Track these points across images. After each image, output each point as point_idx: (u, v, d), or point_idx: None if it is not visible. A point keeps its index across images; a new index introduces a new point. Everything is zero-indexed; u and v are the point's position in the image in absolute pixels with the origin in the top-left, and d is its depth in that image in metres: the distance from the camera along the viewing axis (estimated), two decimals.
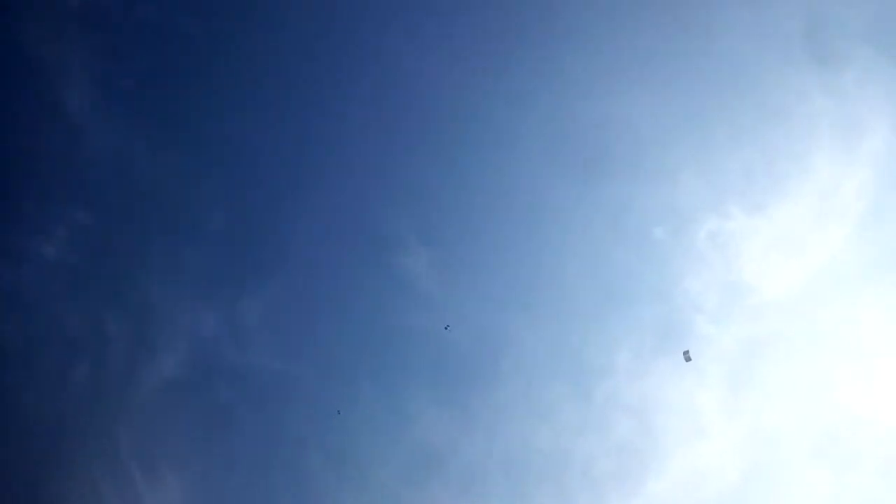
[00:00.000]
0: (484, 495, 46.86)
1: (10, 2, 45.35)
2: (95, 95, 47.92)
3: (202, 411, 46.23)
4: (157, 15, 49.29)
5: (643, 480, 47.92)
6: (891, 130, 50.76)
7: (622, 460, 48.49)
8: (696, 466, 48.62)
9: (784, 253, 51.92)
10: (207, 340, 47.17)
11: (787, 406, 49.19)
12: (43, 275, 44.75)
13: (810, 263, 51.43)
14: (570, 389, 49.62)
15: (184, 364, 46.29)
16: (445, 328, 47.41)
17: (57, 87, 46.92)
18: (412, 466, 47.13)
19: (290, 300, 49.44)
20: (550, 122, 52.49)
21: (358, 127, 51.84)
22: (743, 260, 52.11)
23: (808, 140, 51.84)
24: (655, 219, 52.12)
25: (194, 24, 49.96)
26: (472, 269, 51.55)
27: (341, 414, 45.68)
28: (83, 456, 42.50)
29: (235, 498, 43.21)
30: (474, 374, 49.66)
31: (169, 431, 45.05)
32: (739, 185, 52.65)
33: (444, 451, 47.72)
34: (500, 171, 52.53)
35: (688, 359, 42.07)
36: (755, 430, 49.21)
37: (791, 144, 52.18)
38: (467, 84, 52.13)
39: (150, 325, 46.31)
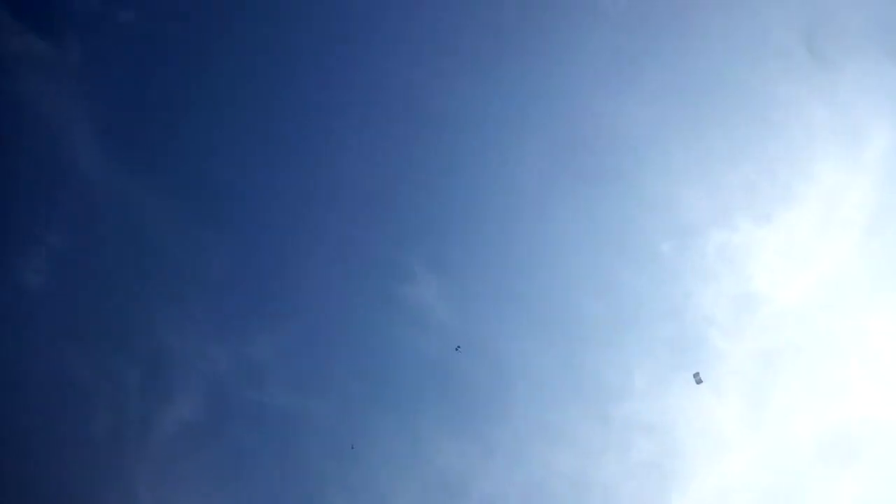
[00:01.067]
0: None
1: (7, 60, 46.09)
2: (100, 144, 48.55)
3: (220, 452, 46.01)
4: (156, 50, 50.26)
5: (667, 501, 47.58)
6: (892, 133, 51.00)
7: (644, 481, 48.15)
8: (719, 483, 48.24)
9: (793, 262, 52.00)
10: (222, 381, 47.19)
11: (806, 416, 48.92)
12: (52, 326, 45.02)
13: (819, 271, 51.49)
14: (588, 412, 49.46)
15: (200, 406, 46.29)
16: (456, 349, 47.22)
17: (60, 138, 47.53)
18: (431, 497, 46.86)
19: (301, 336, 49.43)
20: (553, 144, 52.83)
21: (360, 159, 52.22)
22: (752, 271, 52.21)
23: (809, 148, 52.23)
24: (662, 235, 52.35)
25: (193, 62, 50.98)
26: (482, 295, 51.65)
27: (354, 448, 45.46)
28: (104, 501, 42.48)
29: None
30: (490, 402, 49.56)
31: (188, 475, 44.83)
32: (744, 196, 52.94)
33: (463, 480, 47.46)
34: (504, 196, 52.92)
35: (699, 381, 41.80)
36: (776, 442, 48.92)
37: (793, 153, 52.55)
38: (470, 111, 52.85)
39: (164, 369, 46.33)
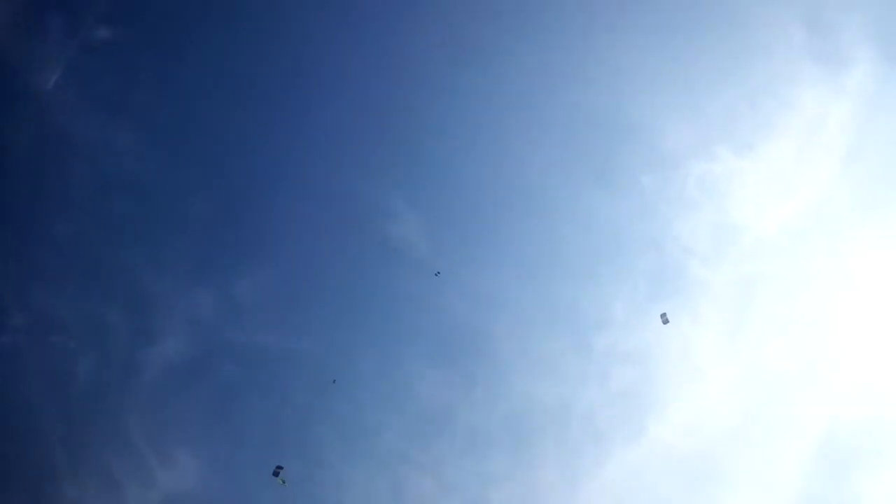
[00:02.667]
0: (489, 452, 47.95)
1: None
2: (73, 88, 47.71)
3: (207, 391, 46.93)
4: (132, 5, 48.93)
5: (645, 426, 48.88)
6: (874, 60, 50.35)
7: (623, 408, 49.40)
8: (696, 409, 49.56)
9: (773, 191, 52.16)
10: (206, 322, 47.69)
11: (782, 344, 49.90)
12: (38, 272, 45.25)
13: (800, 200, 51.74)
14: (569, 343, 50.43)
15: (185, 347, 46.86)
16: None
17: (34, 80, 46.70)
18: (418, 429, 48.13)
19: (284, 276, 49.88)
20: (531, 79, 52.25)
21: (343, 101, 51.77)
22: (733, 201, 52.39)
23: (791, 75, 51.69)
24: (642, 166, 52.28)
25: (169, 12, 49.65)
26: (463, 231, 52.02)
27: (336, 382, 46.25)
28: (96, 444, 43.50)
29: (246, 472, 44.18)
30: (471, 335, 50.32)
31: (177, 413, 45.83)
32: (725, 126, 52.66)
33: (448, 411, 48.67)
34: (483, 132, 52.52)
35: (665, 321, 42.39)
36: (752, 370, 49.95)
37: (774, 81, 52.03)
38: (449, 50, 52.00)
39: (149, 312, 46.81)
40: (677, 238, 51.73)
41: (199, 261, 48.65)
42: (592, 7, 52.10)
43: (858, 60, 50.54)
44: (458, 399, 48.93)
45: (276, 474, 39.51)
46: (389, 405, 48.39)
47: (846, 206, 50.57)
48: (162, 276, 47.40)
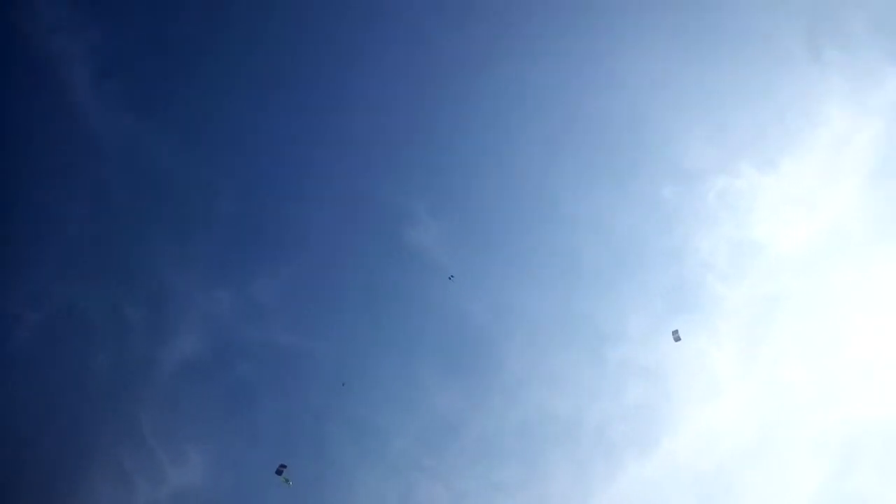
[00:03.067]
0: (501, 461, 47.73)
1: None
2: (102, 83, 48.03)
3: (222, 389, 47.06)
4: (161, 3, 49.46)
5: (658, 441, 48.58)
6: None
7: (637, 422, 49.11)
8: (710, 425, 49.21)
9: (795, 209, 51.69)
10: (224, 320, 47.85)
11: (800, 362, 49.49)
12: (59, 267, 45.61)
13: (823, 219, 51.34)
14: (584, 356, 50.20)
15: (202, 344, 46.99)
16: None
17: (63, 78, 47.07)
18: (430, 436, 48.00)
19: (303, 278, 49.85)
20: (554, 88, 52.21)
21: (366, 104, 51.82)
22: (754, 217, 52.04)
23: (818, 93, 51.21)
24: (664, 179, 51.97)
25: (197, 13, 50.03)
26: (482, 239, 51.78)
27: (345, 385, 46.32)
28: (108, 439, 43.61)
29: (257, 470, 44.12)
30: (488, 344, 50.19)
31: (191, 411, 45.97)
32: (750, 141, 52.26)
33: (461, 419, 48.51)
34: (505, 141, 52.35)
35: (677, 338, 42.02)
36: (768, 387, 49.62)
37: (801, 99, 51.62)
38: (476, 60, 52.01)
39: (168, 308, 46.96)
40: (696, 253, 51.54)
41: (220, 259, 48.90)
42: (618, 20, 51.88)
43: (886, 78, 50.18)
44: (471, 407, 48.93)
45: (279, 473, 39.49)
46: (402, 410, 48.43)
47: (869, 226, 50.21)
48: (182, 274, 47.71)
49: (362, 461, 46.63)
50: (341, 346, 48.98)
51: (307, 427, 47.06)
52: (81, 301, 45.41)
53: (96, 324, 45.36)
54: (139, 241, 47.39)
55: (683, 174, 51.70)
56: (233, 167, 50.12)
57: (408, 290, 50.35)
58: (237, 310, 48.11)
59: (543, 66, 52.30)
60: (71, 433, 42.96)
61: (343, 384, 46.04)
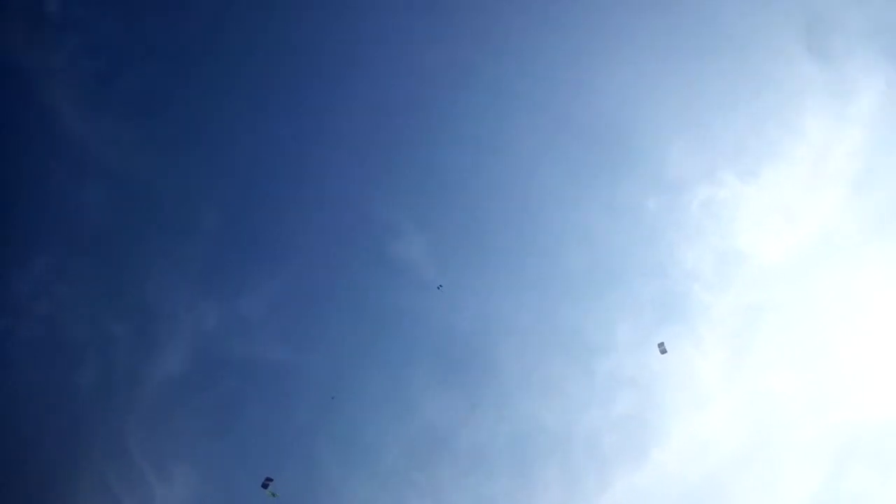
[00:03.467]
0: (491, 474, 47.53)
1: None
2: (83, 95, 47.97)
3: (209, 405, 46.64)
4: (140, 12, 49.28)
5: (647, 452, 48.60)
6: (881, 90, 50.69)
7: (626, 433, 49.12)
8: (699, 435, 49.28)
9: (779, 218, 52.16)
10: (210, 335, 47.58)
11: (787, 370, 49.70)
12: (42, 281, 45.21)
13: (806, 228, 51.73)
14: (572, 367, 50.11)
15: (188, 359, 46.71)
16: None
17: (44, 89, 47.00)
18: (419, 449, 47.75)
19: (290, 291, 49.71)
20: (538, 103, 52.60)
21: (348, 117, 51.79)
22: (738, 227, 52.36)
23: (798, 103, 51.88)
24: (648, 191, 52.31)
25: (182, 20, 50.01)
26: (468, 252, 51.78)
27: (335, 398, 46.13)
28: (94, 456, 43.22)
29: (246, 489, 43.68)
30: (476, 357, 50.06)
31: (177, 427, 45.62)
32: (731, 152, 52.76)
33: (450, 433, 48.35)
34: (489, 152, 52.58)
35: (663, 351, 42.22)
36: (756, 396, 49.81)
37: (782, 108, 52.20)
38: (459, 70, 52.25)
39: (152, 323, 46.71)
40: (681, 263, 51.79)
41: (205, 272, 48.67)
42: (598, 30, 52.55)
43: (866, 89, 51.01)
44: (460, 420, 48.73)
45: (265, 486, 39.09)
46: (391, 423, 48.16)
47: (853, 234, 50.58)
48: (167, 287, 47.50)
49: (351, 475, 46.38)
50: (329, 359, 48.86)
51: (295, 442, 46.84)
52: (65, 315, 45.12)
53: (80, 338, 45.06)
54: (123, 253, 47.23)
55: (667, 184, 52.20)
56: (218, 179, 50.18)
57: (395, 303, 50.27)
58: (223, 324, 47.98)
59: (526, 76, 52.83)
60: (56, 450, 42.64)
61: (333, 398, 45.95)
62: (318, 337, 49.32)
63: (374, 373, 48.99)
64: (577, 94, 52.61)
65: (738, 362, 50.48)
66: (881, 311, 49.35)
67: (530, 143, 52.54)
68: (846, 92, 51.02)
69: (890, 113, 50.42)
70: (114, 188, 47.85)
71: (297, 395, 47.72)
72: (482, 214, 52.31)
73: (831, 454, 47.57)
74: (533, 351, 50.10)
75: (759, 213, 52.16)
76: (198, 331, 47.37)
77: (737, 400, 49.86)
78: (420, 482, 46.66)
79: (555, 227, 52.29)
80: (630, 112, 52.28)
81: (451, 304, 49.62)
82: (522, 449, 48.23)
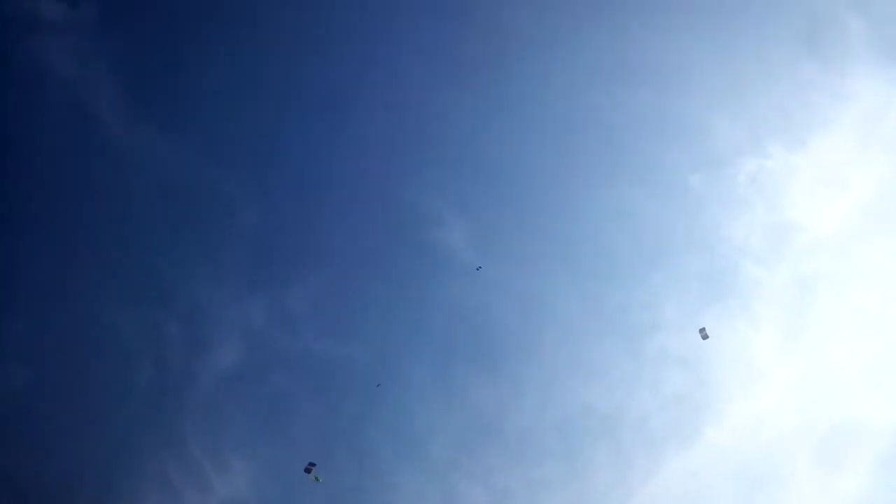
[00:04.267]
0: (541, 458, 47.46)
1: (28, 26, 46.58)
2: (124, 102, 48.99)
3: (261, 399, 47.60)
4: (181, 14, 50.32)
5: (700, 430, 47.86)
6: None
7: (677, 412, 48.39)
8: (753, 412, 48.27)
9: (829, 187, 50.61)
10: (258, 331, 48.42)
11: (843, 344, 48.34)
12: (97, 286, 46.75)
13: (857, 196, 50.14)
14: (619, 348, 49.62)
15: (238, 356, 47.65)
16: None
17: (87, 99, 48.23)
18: (467, 436, 47.91)
19: (334, 284, 50.26)
20: (575, 79, 51.90)
21: (384, 109, 52.20)
22: (787, 199, 51.10)
23: (843, 67, 50.06)
24: (690, 166, 51.31)
25: (214, 12, 50.86)
26: (509, 237, 51.48)
27: (380, 386, 46.53)
28: (154, 452, 44.58)
29: (299, 478, 44.53)
30: (520, 341, 50.01)
31: (232, 421, 46.59)
32: (777, 121, 51.42)
33: (498, 418, 48.35)
34: (527, 135, 52.19)
35: (705, 337, 41.23)
36: (812, 371, 48.57)
37: (826, 73, 50.48)
38: (494, 59, 51.98)
39: (203, 322, 47.78)
40: (729, 238, 50.71)
41: (250, 270, 49.47)
42: (636, 6, 51.39)
43: None
44: (508, 405, 48.68)
45: (308, 471, 39.73)
46: (439, 412, 48.40)
47: None
48: (214, 287, 48.44)
49: (401, 465, 46.86)
50: (374, 350, 49.16)
51: (345, 433, 47.39)
52: (120, 317, 46.46)
53: (135, 342, 46.37)
54: (170, 257, 48.30)
55: (711, 159, 51.16)
56: (257, 177, 50.78)
57: (438, 291, 50.44)
58: (270, 319, 48.75)
59: (563, 60, 52.23)
60: (117, 448, 43.93)
61: (378, 385, 46.34)
62: (363, 328, 49.86)
63: (420, 361, 49.35)
64: (613, 73, 51.86)
65: (792, 337, 49.42)
66: None
67: (568, 126, 52.08)
68: (893, 55, 48.95)
69: None
70: (157, 193, 49.08)
71: (345, 386, 48.39)
72: (522, 199, 52.08)
73: (892, 429, 46.08)
74: (578, 333, 49.90)
75: (808, 183, 50.85)
76: (246, 327, 48.33)
77: (792, 375, 48.81)
78: (470, 468, 46.95)
79: (596, 208, 51.92)
80: (667, 88, 51.46)
81: (495, 289, 49.68)
82: (571, 432, 48.08)
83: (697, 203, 51.05)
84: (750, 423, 48.03)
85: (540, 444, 47.66)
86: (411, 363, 49.18)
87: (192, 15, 50.48)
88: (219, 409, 46.37)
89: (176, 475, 44.51)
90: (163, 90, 49.92)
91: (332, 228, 51.30)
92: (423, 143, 52.24)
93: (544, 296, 50.45)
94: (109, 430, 43.93)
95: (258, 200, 50.34)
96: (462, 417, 48.31)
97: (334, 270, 50.47)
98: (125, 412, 44.73)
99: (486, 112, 52.71)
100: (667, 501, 45.87)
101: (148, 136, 48.90)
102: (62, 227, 46.50)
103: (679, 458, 47.12)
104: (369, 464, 46.65)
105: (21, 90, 46.71)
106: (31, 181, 46.32)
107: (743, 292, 50.17)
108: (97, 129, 48.01)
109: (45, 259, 45.75)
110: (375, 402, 47.72)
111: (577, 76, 51.97)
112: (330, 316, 49.82)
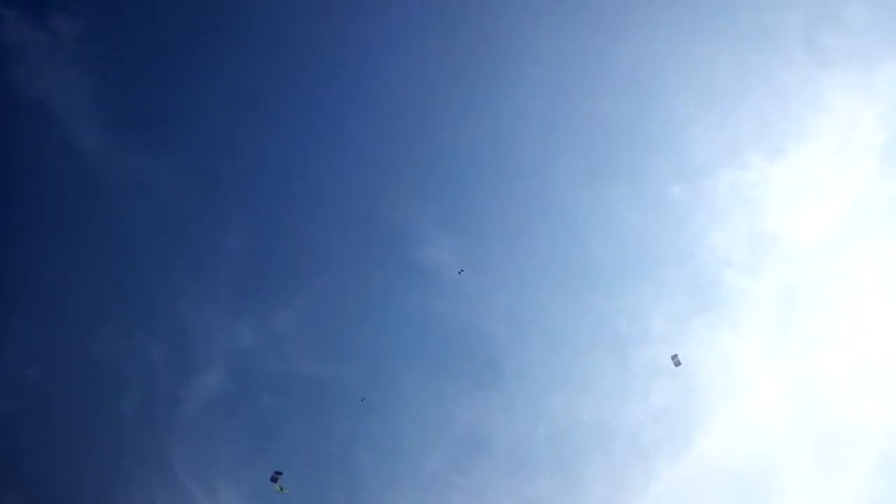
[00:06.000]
0: (533, 473, 47.23)
1: (4, 52, 46.55)
2: (106, 126, 48.73)
3: (249, 422, 47.27)
4: (156, 39, 50.09)
5: (691, 442, 47.93)
6: None
7: (668, 424, 48.45)
8: (742, 422, 48.44)
9: (809, 196, 51.26)
10: (246, 353, 48.17)
11: (830, 351, 48.74)
12: (82, 313, 46.34)
13: (838, 202, 50.78)
14: (606, 360, 49.76)
15: (226, 378, 47.33)
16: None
17: (67, 125, 48.00)
18: (459, 453, 47.72)
19: (321, 304, 50.14)
20: (552, 93, 52.44)
21: (365, 127, 52.31)
22: (768, 208, 51.67)
23: (819, 78, 50.95)
24: (670, 178, 51.82)
25: (196, 37, 50.76)
26: (494, 252, 51.83)
27: (365, 400, 46.34)
28: (141, 477, 43.92)
29: (289, 501, 44.16)
30: (509, 356, 49.97)
31: (220, 445, 46.17)
32: (755, 132, 52.04)
33: (489, 433, 48.27)
34: (508, 151, 52.65)
35: (677, 363, 41.44)
36: (800, 379, 48.82)
37: (803, 84, 51.33)
38: (464, 68, 52.46)
39: (189, 345, 47.46)
40: (712, 249, 51.21)
41: (237, 293, 49.28)
42: (614, 15, 52.09)
43: (885, 59, 49.80)
44: (498, 421, 48.71)
45: (274, 480, 39.06)
46: (429, 429, 48.29)
47: (886, 206, 49.46)
48: (201, 310, 48.21)
49: (393, 483, 46.48)
50: (363, 369, 49.07)
51: (336, 453, 47.13)
52: (104, 342, 46.04)
53: (122, 366, 45.95)
54: (157, 281, 48.13)
55: (691, 170, 51.77)
56: (241, 200, 50.83)
57: (425, 308, 50.54)
58: (258, 342, 48.54)
59: (541, 68, 52.81)
60: (105, 474, 43.34)
61: (363, 399, 46.09)
62: (350, 348, 49.69)
63: (408, 379, 49.26)
64: (593, 82, 52.52)
65: (778, 345, 49.73)
66: None
67: (549, 140, 52.56)
68: (867, 63, 49.96)
69: None
70: (143, 218, 48.90)
71: (334, 407, 48.14)
72: (505, 214, 52.46)
73: (882, 435, 46.23)
74: (566, 345, 50.04)
75: (788, 191, 51.49)
76: (233, 350, 48.06)
77: (780, 384, 49.05)
78: (462, 486, 46.62)
79: (579, 222, 52.30)
80: (646, 99, 52.08)
81: (482, 304, 49.79)
82: (563, 446, 48.03)
83: (680, 214, 51.68)
84: (740, 431, 48.23)
85: (532, 459, 47.62)
86: (400, 381, 49.16)
87: (174, 39, 50.54)
88: (206, 433, 46.08)
89: (164, 501, 43.94)
90: (146, 114, 49.89)
91: (317, 249, 51.37)
92: (406, 161, 52.58)
93: (531, 309, 50.77)
94: (97, 458, 43.43)
95: (243, 222, 50.42)
96: (452, 434, 48.33)
97: (320, 291, 50.52)
98: (112, 437, 44.24)
99: (464, 126, 53.14)
100: None
101: (132, 161, 48.98)
102: (47, 253, 46.17)
103: (671, 468, 47.17)
104: (360, 483, 46.35)
105: (3, 120, 46.62)
106: (16, 210, 46.12)
107: (727, 302, 50.70)
108: (81, 154, 47.95)
109: (31, 285, 45.41)
110: (365, 420, 47.55)
111: (556, 85, 52.66)
112: (317, 336, 49.74)
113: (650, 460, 47.32)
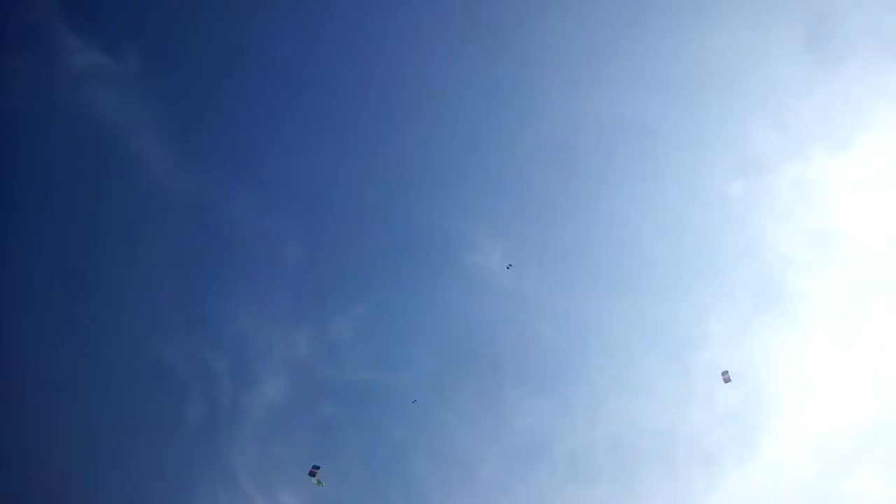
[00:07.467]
0: (592, 480, 46.61)
1: (74, 78, 48.59)
2: (169, 146, 50.00)
3: (308, 429, 47.79)
4: (219, 60, 51.90)
5: (757, 447, 46.67)
6: None
7: (732, 429, 47.26)
8: (812, 425, 46.96)
9: (874, 190, 49.34)
10: (304, 363, 48.80)
11: None
12: (147, 326, 47.78)
13: None
14: (668, 364, 48.74)
15: (285, 388, 48.02)
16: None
17: (133, 143, 49.41)
18: (516, 458, 47.29)
19: (376, 313, 50.49)
20: (608, 94, 51.92)
21: (415, 139, 52.75)
22: (832, 204, 50.04)
23: (883, 66, 49.05)
24: (730, 175, 50.61)
25: (252, 58, 52.10)
26: (547, 256, 51.28)
27: (416, 402, 46.32)
28: (206, 485, 44.93)
29: None
30: (565, 361, 49.53)
31: (280, 452, 46.70)
32: (817, 125, 50.43)
33: (546, 439, 47.70)
34: (561, 154, 52.12)
35: (727, 380, 40.11)
36: (871, 380, 46.96)
37: (865, 72, 49.47)
38: (519, 81, 52.45)
39: (250, 356, 48.32)
40: (774, 247, 49.77)
41: (294, 303, 50.01)
42: (670, 15, 51.34)
43: None
44: (556, 427, 48.11)
45: (312, 474, 39.17)
46: (486, 435, 47.95)
47: None
48: (260, 321, 49.02)
49: (450, 491, 46.42)
50: (418, 376, 49.16)
51: (393, 461, 47.33)
52: (169, 356, 47.19)
53: (186, 376, 47.00)
54: (217, 293, 49.28)
55: (751, 167, 50.46)
56: (299, 212, 51.59)
57: (478, 314, 50.30)
58: (315, 351, 49.10)
59: (597, 76, 52.55)
60: (171, 481, 44.50)
61: (414, 401, 46.11)
62: (405, 355, 49.91)
63: (464, 386, 49.07)
64: (648, 86, 51.70)
65: (846, 346, 48.07)
66: None
67: (603, 143, 51.98)
68: None
69: None
70: (203, 231, 50.13)
71: (390, 414, 48.34)
72: (556, 218, 52.03)
73: None
74: (624, 350, 49.22)
75: (853, 186, 49.69)
76: (292, 359, 48.69)
77: (850, 386, 47.35)
78: (520, 492, 46.21)
79: (635, 223, 51.38)
80: (703, 93, 51.02)
81: (536, 310, 49.38)
82: (623, 452, 47.20)
83: (740, 212, 50.39)
84: (810, 436, 46.71)
85: (591, 466, 47.01)
86: (455, 387, 49.00)
87: (231, 60, 52.00)
88: (268, 441, 46.72)
89: None
90: (206, 132, 51.43)
91: (370, 258, 51.72)
92: (454, 169, 52.70)
93: (586, 314, 50.07)
94: (162, 465, 44.58)
95: (300, 234, 51.17)
96: (509, 440, 47.88)
97: (375, 300, 50.89)
98: (177, 447, 45.38)
99: (518, 133, 52.87)
100: None
101: (191, 177, 50.24)
102: (112, 267, 47.85)
103: (737, 475, 45.93)
104: (417, 490, 46.39)
105: (72, 138, 48.52)
106: (85, 225, 47.90)
107: (792, 303, 49.18)
108: (143, 171, 49.42)
109: (95, 297, 47.04)
110: (421, 427, 47.65)
111: (610, 93, 52.04)
112: (372, 345, 50.03)
113: (715, 466, 46.37)
